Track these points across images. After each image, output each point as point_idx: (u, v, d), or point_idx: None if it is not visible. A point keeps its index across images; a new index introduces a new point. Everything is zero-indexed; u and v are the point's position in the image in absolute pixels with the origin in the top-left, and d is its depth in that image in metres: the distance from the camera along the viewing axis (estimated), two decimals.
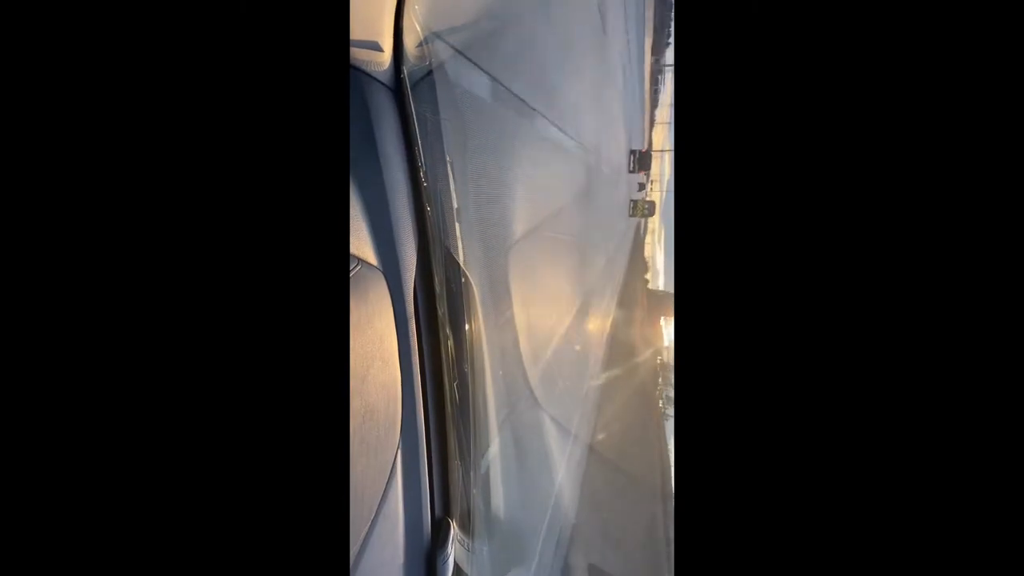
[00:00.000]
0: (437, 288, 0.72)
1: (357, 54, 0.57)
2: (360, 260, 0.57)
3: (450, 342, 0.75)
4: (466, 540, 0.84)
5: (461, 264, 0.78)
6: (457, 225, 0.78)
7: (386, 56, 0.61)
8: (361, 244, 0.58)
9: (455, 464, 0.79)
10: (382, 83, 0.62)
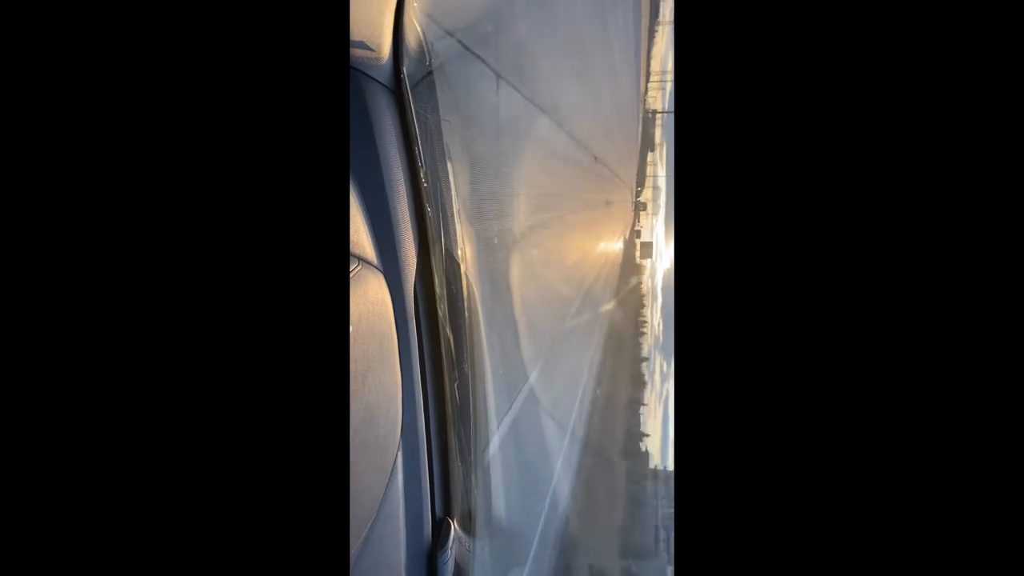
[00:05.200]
0: (437, 289, 0.72)
1: (356, 55, 0.57)
2: (361, 260, 0.57)
3: (451, 342, 0.75)
4: (467, 540, 0.84)
5: (461, 265, 0.78)
6: (458, 226, 0.78)
7: (385, 57, 0.61)
8: (361, 245, 0.58)
9: (456, 464, 0.79)
10: (382, 84, 0.62)
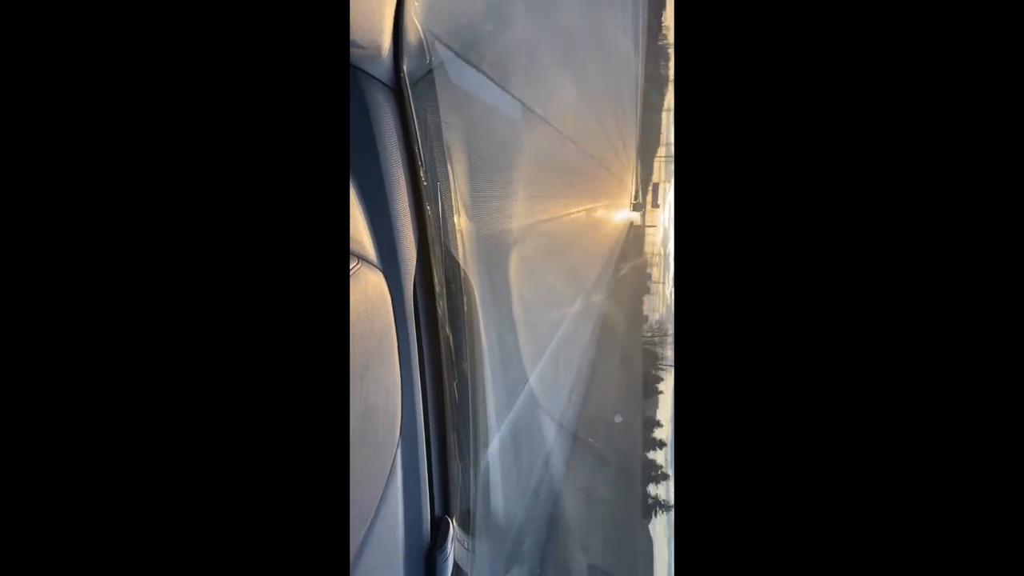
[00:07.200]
0: (437, 287, 0.72)
1: (356, 52, 0.57)
2: (360, 259, 0.57)
3: (450, 341, 0.75)
4: (466, 539, 0.84)
5: (461, 263, 0.78)
6: (457, 224, 0.78)
7: (385, 54, 0.61)
8: (361, 243, 0.58)
9: (455, 463, 0.79)
10: (382, 82, 0.62)
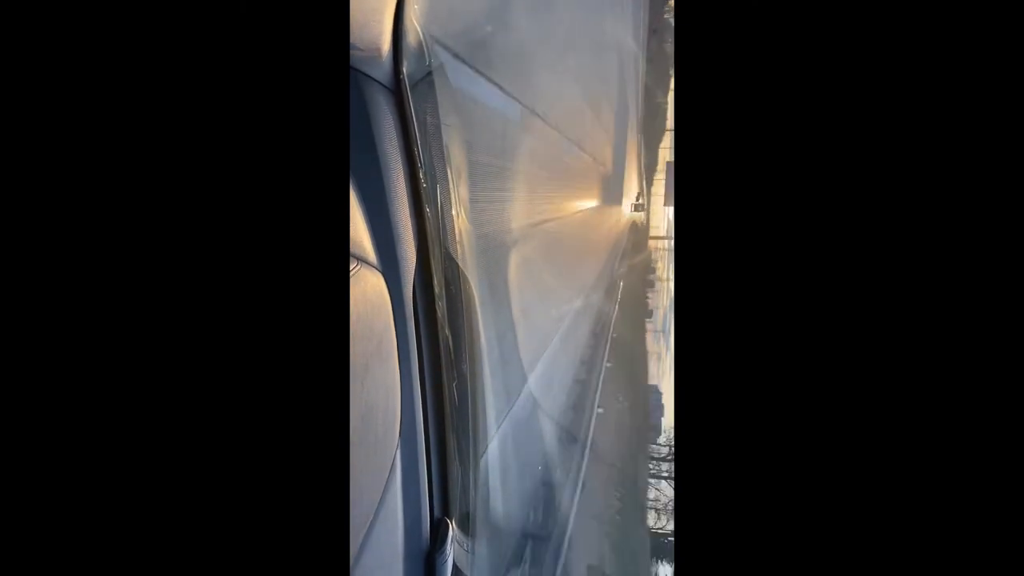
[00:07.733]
0: (436, 289, 0.72)
1: (356, 55, 0.57)
2: (360, 260, 0.57)
3: (449, 342, 0.75)
4: (465, 541, 0.84)
5: (460, 264, 0.78)
6: (457, 225, 0.78)
7: (385, 57, 0.61)
8: (360, 244, 0.58)
9: (454, 465, 0.79)
10: (381, 84, 0.62)
